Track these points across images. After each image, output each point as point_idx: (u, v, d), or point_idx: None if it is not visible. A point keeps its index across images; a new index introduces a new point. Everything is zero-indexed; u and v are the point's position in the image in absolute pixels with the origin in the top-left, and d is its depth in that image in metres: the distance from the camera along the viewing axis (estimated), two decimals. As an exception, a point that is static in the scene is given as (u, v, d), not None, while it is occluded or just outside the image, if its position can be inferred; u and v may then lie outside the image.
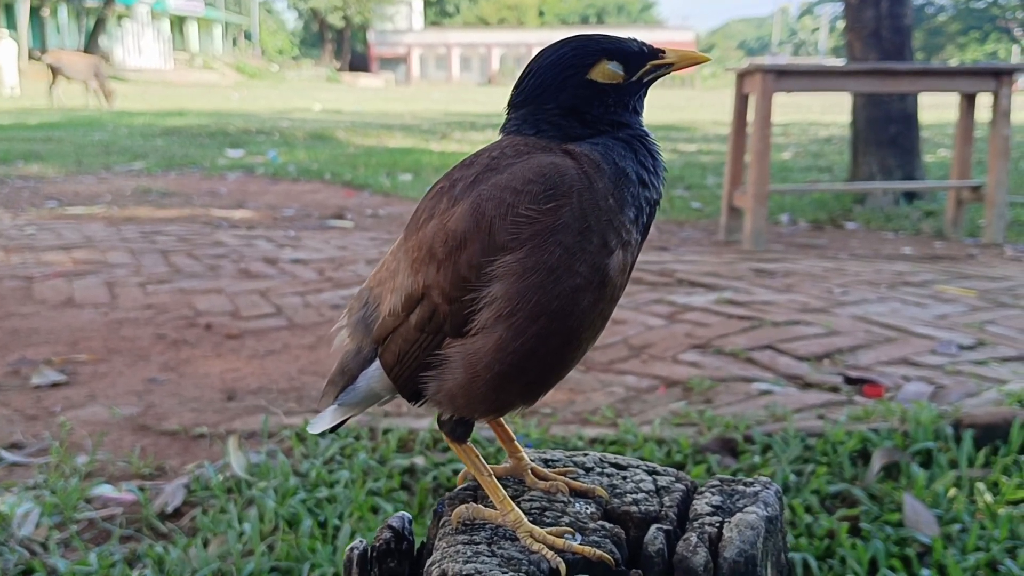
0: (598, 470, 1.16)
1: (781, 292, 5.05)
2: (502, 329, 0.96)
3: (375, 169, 11.46)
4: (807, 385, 3.61)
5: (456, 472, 2.75)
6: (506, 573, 0.92)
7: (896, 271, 5.71)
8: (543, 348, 0.97)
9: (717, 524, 1.00)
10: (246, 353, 4.10)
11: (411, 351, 1.03)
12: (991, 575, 2.21)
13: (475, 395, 1.00)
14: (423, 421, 3.19)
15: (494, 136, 1.09)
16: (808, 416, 3.20)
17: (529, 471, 1.14)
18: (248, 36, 67.04)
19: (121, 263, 5.89)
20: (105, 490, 2.75)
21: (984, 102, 7.01)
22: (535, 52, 1.10)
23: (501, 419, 1.14)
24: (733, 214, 7.12)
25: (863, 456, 2.82)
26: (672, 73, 1.09)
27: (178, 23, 56.04)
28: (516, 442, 1.16)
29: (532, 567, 0.94)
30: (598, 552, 0.96)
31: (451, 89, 51.12)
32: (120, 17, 45.26)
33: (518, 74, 1.08)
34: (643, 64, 1.06)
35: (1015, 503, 2.50)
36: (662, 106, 29.43)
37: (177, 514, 2.64)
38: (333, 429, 1.13)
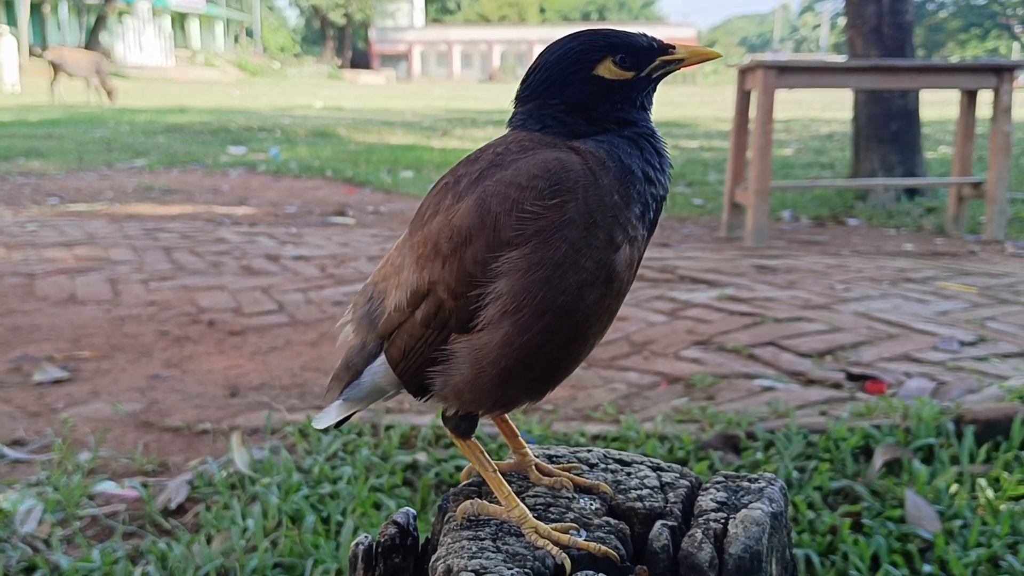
0: (602, 466, 1.16)
1: (783, 288, 5.05)
2: (508, 325, 0.95)
3: (376, 166, 11.45)
4: (809, 381, 3.61)
5: (459, 468, 2.76)
6: (511, 569, 0.92)
7: (898, 267, 5.71)
8: (549, 344, 0.97)
9: (722, 520, 1.00)
10: (249, 349, 4.11)
11: (417, 347, 1.03)
12: (992, 571, 2.21)
13: (481, 391, 1.00)
14: (425, 417, 3.20)
15: (495, 133, 1.09)
16: (810, 412, 3.20)
17: (533, 467, 1.14)
18: (250, 33, 66.98)
19: (123, 260, 5.89)
20: (108, 487, 2.75)
21: (985, 99, 7.00)
22: (536, 49, 1.09)
23: (506, 415, 1.14)
24: (735, 210, 7.12)
25: (865, 452, 2.82)
26: (681, 69, 1.08)
27: (179, 20, 55.99)
28: (520, 438, 1.16)
29: (537, 563, 0.94)
30: (603, 548, 0.96)
31: (452, 86, 51.05)
32: (121, 14, 45.22)
33: (519, 71, 1.07)
34: (652, 60, 1.06)
35: (1016, 499, 2.50)
36: (664, 102, 29.38)
37: (180, 510, 2.65)
38: (338, 424, 1.13)
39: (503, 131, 1.09)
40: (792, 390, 3.50)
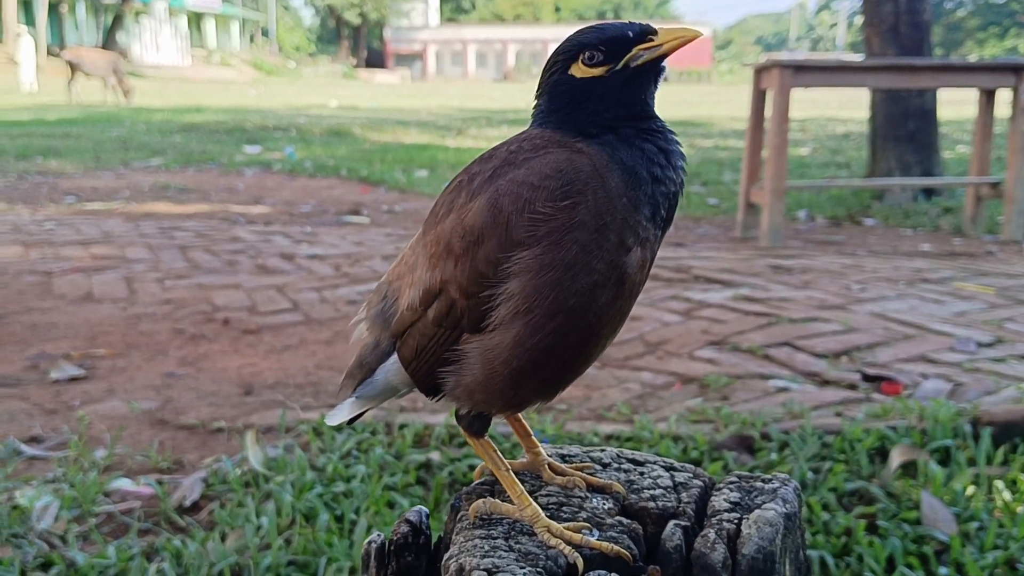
0: (615, 466, 1.16)
1: (798, 289, 5.03)
2: (520, 325, 0.95)
3: (391, 165, 11.47)
4: (825, 382, 3.59)
5: (472, 468, 2.76)
6: (523, 568, 0.92)
7: (914, 268, 5.67)
8: (561, 345, 0.96)
9: (735, 520, 1.00)
10: (263, 348, 4.12)
11: (429, 346, 1.03)
12: (1009, 573, 2.19)
13: (493, 391, 1.00)
14: (439, 417, 3.20)
15: (510, 132, 1.09)
16: (826, 413, 3.19)
17: (546, 466, 1.14)
18: (265, 33, 67.27)
19: (139, 258, 5.93)
20: (123, 484, 2.76)
21: (1004, 98, 6.95)
22: (551, 48, 1.08)
23: (519, 414, 1.14)
24: (750, 210, 7.09)
25: (881, 454, 2.80)
26: (666, 54, 1.01)
27: (196, 20, 56.29)
28: (533, 437, 1.16)
29: (550, 562, 0.94)
30: (616, 547, 0.96)
31: (467, 85, 51.10)
32: (138, 14, 45.51)
33: (534, 70, 1.07)
34: (628, 49, 1.02)
35: (1034, 502, 2.48)
36: (678, 102, 29.32)
37: (195, 508, 2.66)
38: (351, 422, 1.13)
39: (517, 131, 1.08)
40: (807, 391, 3.48)
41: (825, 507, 2.51)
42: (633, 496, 1.07)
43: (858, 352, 3.92)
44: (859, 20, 11.36)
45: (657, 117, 1.04)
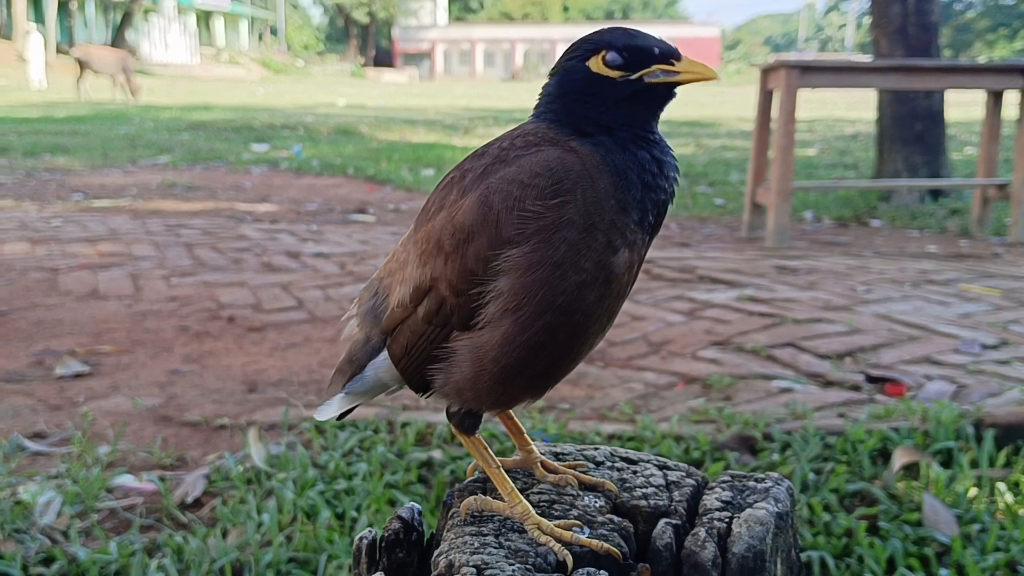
0: (608, 464, 1.16)
1: (804, 289, 5.02)
2: (509, 323, 0.96)
3: (398, 164, 11.49)
4: (828, 383, 3.58)
5: (473, 466, 2.76)
6: (513, 565, 0.92)
7: (920, 269, 5.66)
8: (550, 343, 0.97)
9: (726, 519, 1.00)
10: (268, 346, 4.13)
11: (419, 343, 1.03)
12: (1010, 575, 2.19)
13: (482, 388, 1.00)
14: (441, 415, 3.20)
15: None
16: (828, 414, 3.18)
17: (539, 464, 1.14)
18: (274, 31, 67.40)
19: (145, 256, 5.94)
20: (126, 480, 2.78)
21: (1011, 100, 6.92)
22: (560, 48, 1.09)
23: (510, 412, 1.14)
24: (756, 211, 7.08)
25: (883, 455, 2.80)
26: (680, 83, 1.02)
27: (204, 18, 56.45)
28: (526, 435, 1.16)
29: (539, 559, 0.94)
30: (605, 545, 0.96)
31: (475, 84, 51.09)
32: (147, 12, 45.65)
33: (542, 70, 1.07)
34: (648, 64, 1.02)
35: (1036, 504, 2.47)
36: (687, 102, 29.27)
37: (197, 504, 2.66)
38: (340, 417, 1.14)
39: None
40: (810, 392, 3.48)
41: (826, 508, 2.51)
42: (625, 494, 1.07)
43: (862, 353, 3.91)
44: (868, 21, 11.33)
45: (656, 131, 1.04)
